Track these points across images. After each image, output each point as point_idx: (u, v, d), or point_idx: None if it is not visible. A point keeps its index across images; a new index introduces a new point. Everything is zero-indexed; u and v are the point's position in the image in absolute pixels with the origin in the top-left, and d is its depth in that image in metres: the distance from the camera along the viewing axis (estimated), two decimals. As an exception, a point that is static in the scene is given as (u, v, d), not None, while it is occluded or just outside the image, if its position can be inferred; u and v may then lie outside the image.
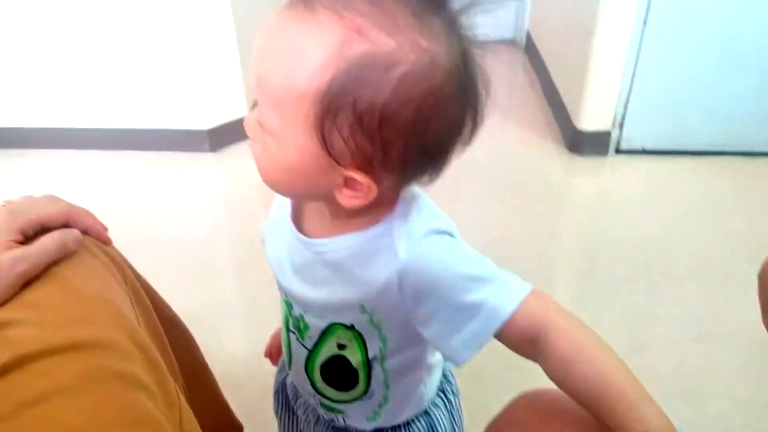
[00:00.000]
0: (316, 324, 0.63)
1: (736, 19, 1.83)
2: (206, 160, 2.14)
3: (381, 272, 0.55)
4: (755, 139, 2.05)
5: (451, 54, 0.47)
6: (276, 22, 0.48)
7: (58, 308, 0.53)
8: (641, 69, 1.92)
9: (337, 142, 0.47)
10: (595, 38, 1.89)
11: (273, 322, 1.36)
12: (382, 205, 0.56)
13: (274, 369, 1.25)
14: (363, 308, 0.58)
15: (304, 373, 0.68)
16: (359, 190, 0.51)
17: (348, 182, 0.51)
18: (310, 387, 0.69)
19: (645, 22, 1.83)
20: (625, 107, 2.01)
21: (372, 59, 0.45)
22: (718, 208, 1.82)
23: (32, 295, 0.54)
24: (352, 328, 0.61)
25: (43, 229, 0.59)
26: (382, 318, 0.59)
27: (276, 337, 0.87)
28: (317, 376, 0.67)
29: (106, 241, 0.64)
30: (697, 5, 1.81)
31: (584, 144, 2.08)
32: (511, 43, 3.23)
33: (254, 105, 2.35)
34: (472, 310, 0.52)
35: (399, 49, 0.45)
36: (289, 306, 0.66)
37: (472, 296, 0.52)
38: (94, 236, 0.63)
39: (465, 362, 0.54)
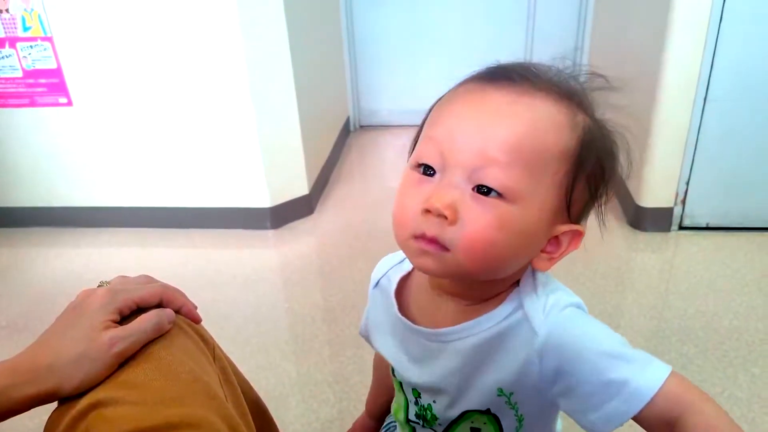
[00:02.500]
0: (446, 415, 0.62)
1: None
2: (267, 237, 2.20)
3: (519, 353, 0.55)
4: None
5: None
6: (488, 97, 0.52)
7: (154, 388, 0.55)
8: (702, 145, 1.90)
9: (576, 194, 0.53)
10: (654, 114, 1.89)
11: (331, 400, 1.36)
12: (509, 282, 0.57)
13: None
14: (501, 391, 0.58)
15: None
16: (555, 251, 0.55)
17: (550, 243, 0.54)
18: None
19: (705, 99, 1.83)
20: (687, 184, 1.98)
21: (595, 123, 0.53)
22: (789, 284, 1.74)
23: (129, 374, 0.56)
24: (487, 412, 0.60)
25: (139, 308, 0.62)
26: (519, 398, 0.58)
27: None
28: None
29: (196, 320, 0.67)
30: (758, 83, 1.81)
31: (646, 220, 2.05)
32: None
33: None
34: (615, 388, 0.51)
35: (601, 117, 0.54)
36: (416, 394, 0.65)
37: (614, 375, 0.51)
38: (186, 315, 0.65)
39: None
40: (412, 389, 0.66)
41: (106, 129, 2.11)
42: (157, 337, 0.60)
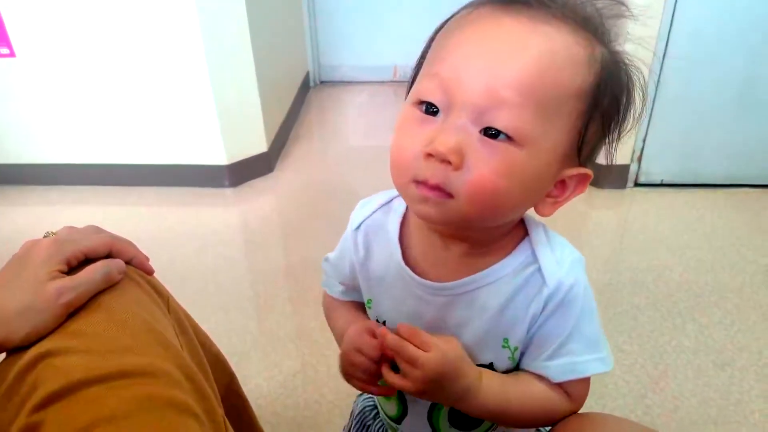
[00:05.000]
0: None
1: (754, 57, 1.85)
2: (225, 195, 2.16)
3: (531, 306, 0.55)
4: (773, 172, 2.05)
5: None
6: (502, 26, 0.46)
7: (105, 337, 0.53)
8: (660, 103, 1.94)
9: (589, 135, 0.49)
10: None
11: (293, 354, 1.37)
12: (513, 222, 0.56)
13: (297, 402, 1.24)
14: (506, 342, 0.57)
15: (426, 423, 0.65)
16: (560, 195, 0.52)
17: (556, 186, 0.52)
18: None
19: (664, 57, 1.85)
20: (644, 141, 2.02)
21: (612, 56, 0.49)
22: (737, 238, 1.81)
23: (78, 324, 0.55)
24: (490, 366, 0.59)
25: (87, 260, 0.60)
26: (521, 350, 0.58)
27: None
28: (444, 423, 0.64)
29: (149, 271, 0.65)
30: (716, 43, 1.84)
31: (604, 177, 2.09)
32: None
33: (272, 140, 2.33)
34: (563, 354, 0.56)
35: (620, 50, 0.50)
36: None
37: (573, 345, 0.55)
38: (137, 266, 0.64)
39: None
40: None
41: (53, 82, 2.01)
42: (108, 287, 0.58)
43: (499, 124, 0.45)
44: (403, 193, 0.51)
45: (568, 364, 0.56)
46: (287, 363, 1.36)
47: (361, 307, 0.71)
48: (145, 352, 0.52)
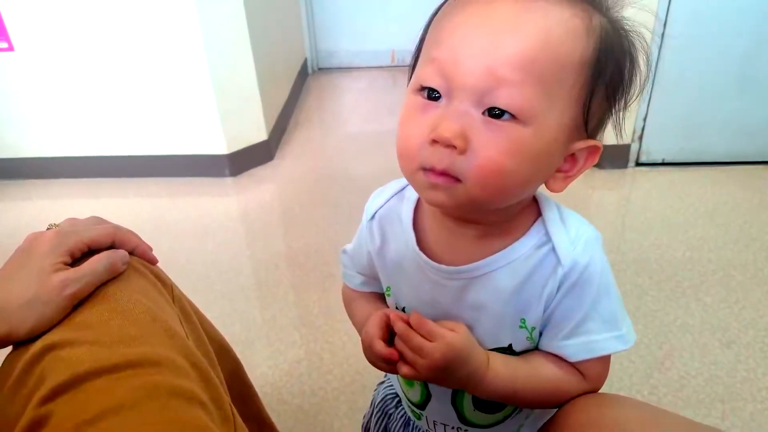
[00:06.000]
0: None
1: (753, 34, 1.83)
2: (226, 184, 2.16)
3: (546, 284, 0.54)
4: (774, 149, 2.04)
5: None
6: (496, 6, 0.46)
7: (110, 327, 0.53)
8: (659, 82, 1.92)
9: (594, 107, 0.49)
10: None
11: (298, 342, 1.37)
12: (526, 201, 0.56)
13: (303, 390, 1.25)
14: (523, 322, 0.57)
15: (450, 407, 0.65)
16: (571, 169, 0.52)
17: (566, 161, 0.51)
18: (456, 420, 0.67)
19: (663, 36, 1.84)
20: (645, 120, 2.00)
21: (612, 24, 0.48)
22: (739, 215, 1.80)
23: (83, 315, 0.55)
24: (509, 348, 0.59)
25: (91, 251, 0.60)
26: (538, 330, 0.58)
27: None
28: (468, 405, 0.65)
29: (152, 261, 0.65)
30: (715, 21, 1.82)
31: (605, 157, 2.08)
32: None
33: (268, 130, 2.32)
34: (581, 333, 0.56)
35: (619, 17, 0.49)
36: None
37: (591, 325, 0.56)
38: (141, 256, 0.64)
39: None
40: None
41: (51, 75, 2.00)
42: (112, 278, 0.58)
43: (501, 103, 0.45)
44: (411, 181, 0.51)
45: (585, 344, 0.56)
46: (292, 351, 1.36)
47: (380, 297, 0.71)
48: (150, 342, 0.52)
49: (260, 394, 0.88)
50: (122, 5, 1.86)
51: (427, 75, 0.48)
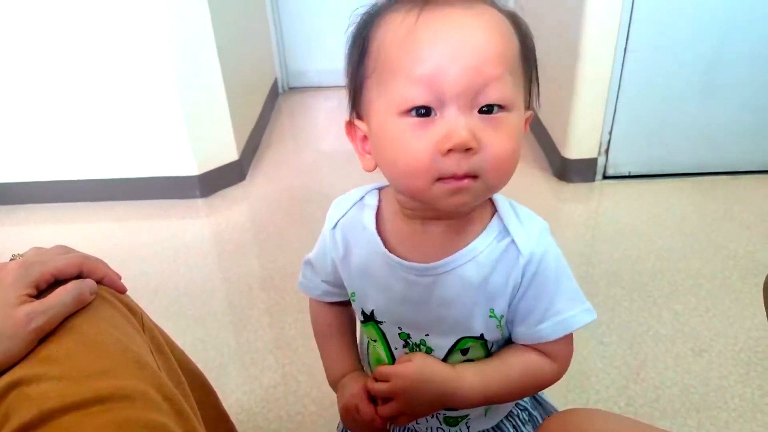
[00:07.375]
0: (441, 344, 0.64)
1: (715, 44, 1.88)
2: (197, 206, 2.13)
3: (510, 275, 0.59)
4: (738, 159, 2.10)
5: None
6: (453, 18, 0.50)
7: (78, 361, 0.52)
8: (624, 97, 1.97)
9: (531, 85, 0.57)
10: (577, 67, 1.93)
11: (273, 366, 1.35)
12: (484, 203, 0.61)
13: (279, 415, 1.23)
14: (492, 312, 0.61)
15: None
16: None
17: None
18: None
19: (626, 50, 1.88)
20: (610, 134, 2.04)
21: (513, 16, 0.56)
22: (706, 225, 1.85)
23: (50, 349, 0.53)
24: (481, 337, 0.63)
25: (57, 281, 0.58)
26: (506, 318, 0.62)
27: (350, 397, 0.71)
28: None
29: (121, 290, 0.63)
30: (676, 32, 1.87)
31: (572, 171, 2.11)
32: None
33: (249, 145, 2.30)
34: (552, 315, 0.60)
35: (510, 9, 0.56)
36: (405, 337, 0.66)
37: (559, 306, 0.60)
38: (109, 285, 0.62)
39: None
40: (399, 333, 0.65)
41: (16, 98, 1.96)
42: (79, 309, 0.56)
43: (492, 98, 0.50)
44: (427, 194, 0.52)
45: (559, 323, 0.60)
46: (267, 375, 1.34)
47: (349, 329, 0.77)
48: (120, 375, 0.51)
49: (235, 422, 0.87)
50: (90, 27, 1.83)
51: (412, 95, 0.50)
